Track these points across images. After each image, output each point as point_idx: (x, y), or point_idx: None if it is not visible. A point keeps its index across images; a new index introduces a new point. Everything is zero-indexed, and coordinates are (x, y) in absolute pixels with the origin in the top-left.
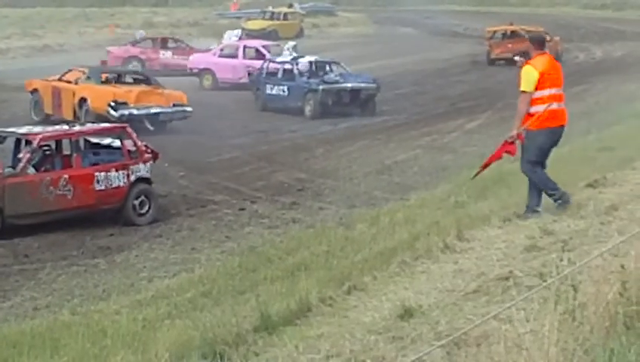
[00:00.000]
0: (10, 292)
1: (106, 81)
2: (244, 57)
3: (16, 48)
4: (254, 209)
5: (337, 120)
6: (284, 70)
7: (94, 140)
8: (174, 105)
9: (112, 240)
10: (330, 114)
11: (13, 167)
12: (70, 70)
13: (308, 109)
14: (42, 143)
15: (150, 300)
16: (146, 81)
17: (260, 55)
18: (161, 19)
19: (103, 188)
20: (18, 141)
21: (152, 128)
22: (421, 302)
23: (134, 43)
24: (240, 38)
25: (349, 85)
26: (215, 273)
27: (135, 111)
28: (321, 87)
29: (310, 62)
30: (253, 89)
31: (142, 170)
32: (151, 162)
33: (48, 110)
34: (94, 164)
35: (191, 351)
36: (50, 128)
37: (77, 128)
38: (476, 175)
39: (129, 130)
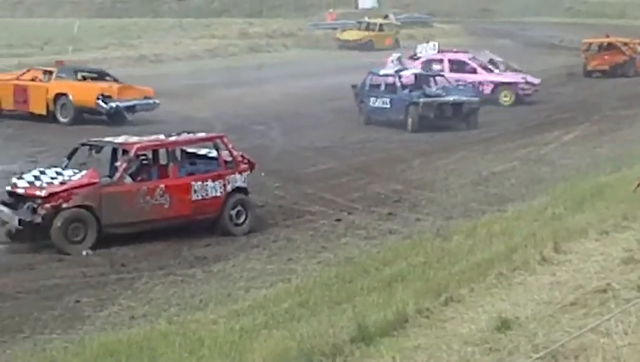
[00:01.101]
0: (107, 301)
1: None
2: (450, 71)
3: (113, 58)
4: (351, 220)
5: (434, 132)
6: (387, 83)
7: (191, 150)
8: (145, 98)
9: (209, 250)
10: (431, 127)
11: (110, 177)
12: (28, 70)
13: (409, 122)
14: (139, 153)
15: (247, 310)
16: (102, 77)
17: (467, 68)
18: (256, 30)
19: (199, 198)
20: (115, 150)
21: (130, 118)
22: (518, 313)
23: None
24: (439, 51)
25: (451, 99)
26: (312, 283)
27: (120, 104)
28: (421, 100)
29: (415, 75)
30: (357, 101)
31: (238, 180)
32: (247, 172)
33: (7, 106)
34: (191, 174)
35: None
36: (146, 138)
37: (173, 138)
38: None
39: (225, 140)
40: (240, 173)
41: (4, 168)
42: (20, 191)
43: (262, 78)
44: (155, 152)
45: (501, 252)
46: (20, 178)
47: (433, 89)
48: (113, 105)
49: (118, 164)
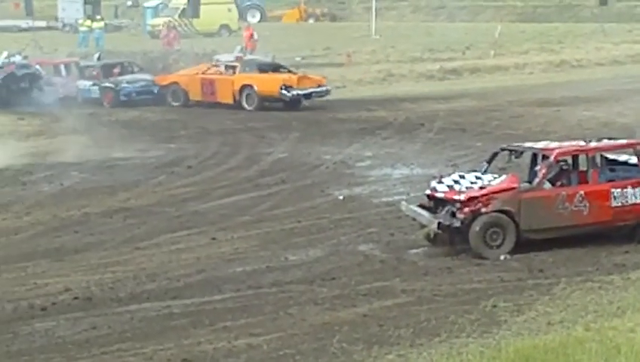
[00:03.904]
0: (524, 306)
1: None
2: None
3: (534, 63)
4: None
5: None
6: None
7: (611, 156)
8: (319, 86)
9: (627, 257)
10: None
11: (530, 182)
12: (215, 65)
13: None
14: (559, 158)
15: None
16: (277, 69)
17: None
18: None
19: (619, 204)
20: (534, 156)
21: (307, 104)
22: None
23: None
24: None
25: None
26: None
27: (300, 92)
28: None
29: None
30: None
31: None
32: None
33: (196, 97)
34: (610, 180)
35: None
36: (567, 143)
37: (594, 144)
38: None
39: None
40: None
41: (424, 172)
42: (440, 195)
43: None
44: (575, 158)
45: None
46: (440, 182)
47: None
48: (294, 93)
49: (537, 169)
